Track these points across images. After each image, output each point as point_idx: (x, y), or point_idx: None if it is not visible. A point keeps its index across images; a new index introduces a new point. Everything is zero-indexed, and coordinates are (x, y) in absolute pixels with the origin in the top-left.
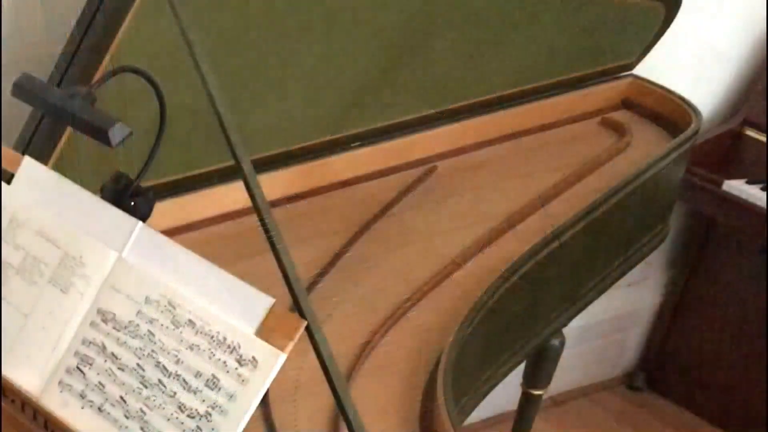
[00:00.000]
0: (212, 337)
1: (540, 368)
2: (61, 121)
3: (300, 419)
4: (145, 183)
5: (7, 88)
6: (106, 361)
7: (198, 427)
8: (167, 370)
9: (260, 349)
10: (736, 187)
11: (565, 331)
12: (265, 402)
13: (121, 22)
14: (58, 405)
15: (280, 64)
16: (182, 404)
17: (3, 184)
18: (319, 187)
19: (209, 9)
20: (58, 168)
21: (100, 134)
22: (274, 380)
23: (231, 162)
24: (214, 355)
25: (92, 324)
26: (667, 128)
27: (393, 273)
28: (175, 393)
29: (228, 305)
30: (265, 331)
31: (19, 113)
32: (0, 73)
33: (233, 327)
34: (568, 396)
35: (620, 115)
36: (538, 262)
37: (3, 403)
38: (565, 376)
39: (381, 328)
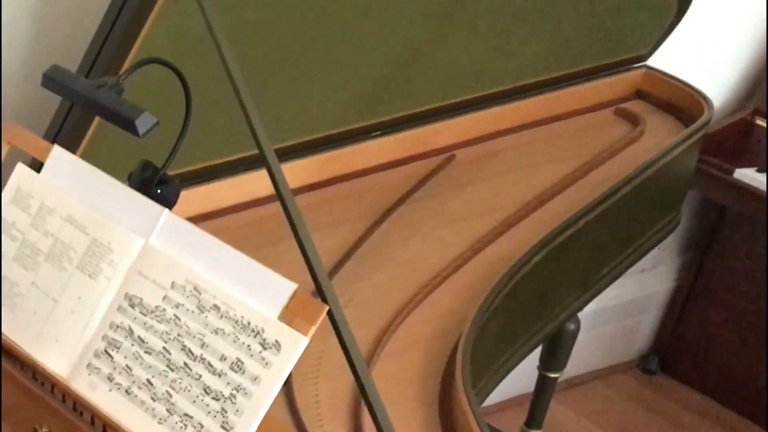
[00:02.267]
0: (237, 321)
1: (556, 352)
2: (90, 111)
3: (322, 400)
4: (171, 171)
5: (37, 79)
6: (133, 344)
7: (223, 408)
8: (193, 354)
9: (283, 333)
10: (747, 174)
11: (581, 315)
12: (288, 383)
13: (148, 14)
14: (87, 388)
15: (303, 55)
16: (207, 386)
17: (33, 172)
18: (340, 175)
19: (234, 0)
20: (87, 157)
21: (127, 124)
22: (297, 363)
23: (255, 151)
24: (238, 339)
25: (120, 309)
26: (680, 118)
27: (413, 259)
28: (200, 376)
29: (252, 290)
30: (288, 316)
31: (48, 103)
32: (0, 60)
33: (257, 312)
34: (583, 379)
35: (634, 105)
36: (553, 249)
37: (34, 387)
38: (580, 360)
39: (401, 312)
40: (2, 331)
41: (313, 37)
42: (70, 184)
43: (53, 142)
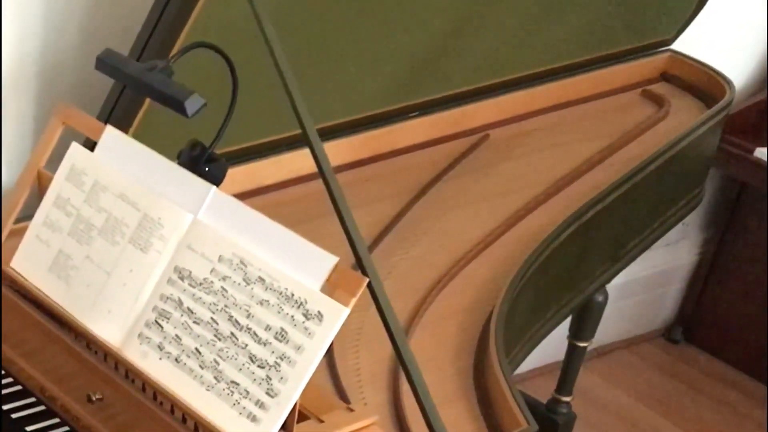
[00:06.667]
0: (281, 293)
1: (585, 322)
2: (141, 92)
3: (362, 368)
4: (219, 150)
5: (91, 62)
6: (182, 315)
7: (268, 376)
8: (239, 324)
9: (325, 304)
10: (766, 153)
11: (608, 287)
12: (329, 352)
13: (197, 0)
14: (138, 356)
15: (344, 39)
16: (253, 355)
17: (87, 151)
18: (380, 154)
19: None
20: (138, 136)
21: (176, 105)
22: (339, 332)
23: (298, 130)
24: (282, 309)
25: (169, 281)
26: (703, 99)
27: (448, 234)
28: (246, 345)
29: (295, 263)
30: (329, 288)
31: (101, 85)
32: (0, 49)
33: (300, 284)
34: (610, 347)
35: (659, 88)
36: (583, 224)
37: (88, 356)
38: (608, 329)
39: (437, 284)
40: (58, 303)
41: (354, 20)
42: (122, 162)
43: (106, 122)
